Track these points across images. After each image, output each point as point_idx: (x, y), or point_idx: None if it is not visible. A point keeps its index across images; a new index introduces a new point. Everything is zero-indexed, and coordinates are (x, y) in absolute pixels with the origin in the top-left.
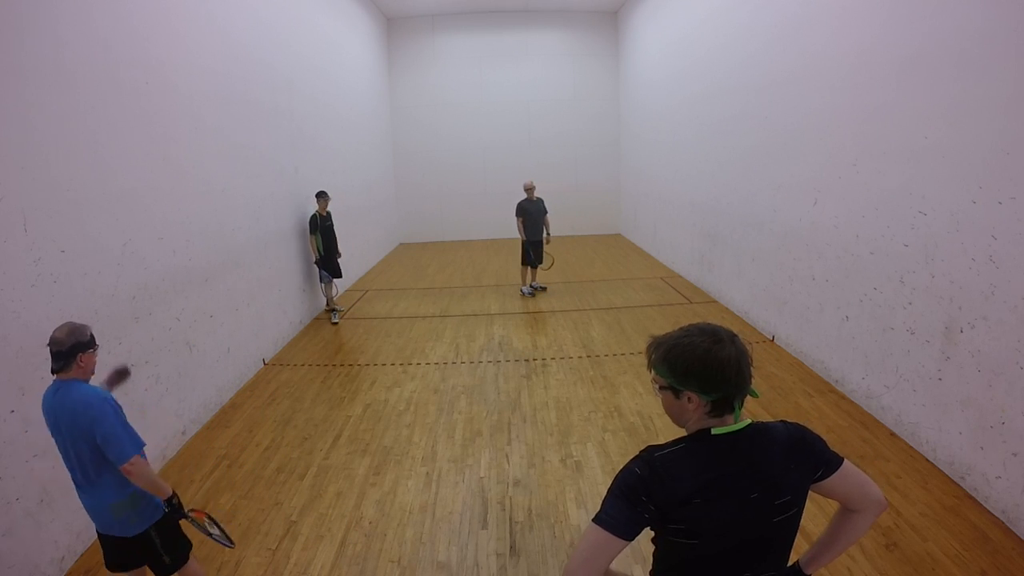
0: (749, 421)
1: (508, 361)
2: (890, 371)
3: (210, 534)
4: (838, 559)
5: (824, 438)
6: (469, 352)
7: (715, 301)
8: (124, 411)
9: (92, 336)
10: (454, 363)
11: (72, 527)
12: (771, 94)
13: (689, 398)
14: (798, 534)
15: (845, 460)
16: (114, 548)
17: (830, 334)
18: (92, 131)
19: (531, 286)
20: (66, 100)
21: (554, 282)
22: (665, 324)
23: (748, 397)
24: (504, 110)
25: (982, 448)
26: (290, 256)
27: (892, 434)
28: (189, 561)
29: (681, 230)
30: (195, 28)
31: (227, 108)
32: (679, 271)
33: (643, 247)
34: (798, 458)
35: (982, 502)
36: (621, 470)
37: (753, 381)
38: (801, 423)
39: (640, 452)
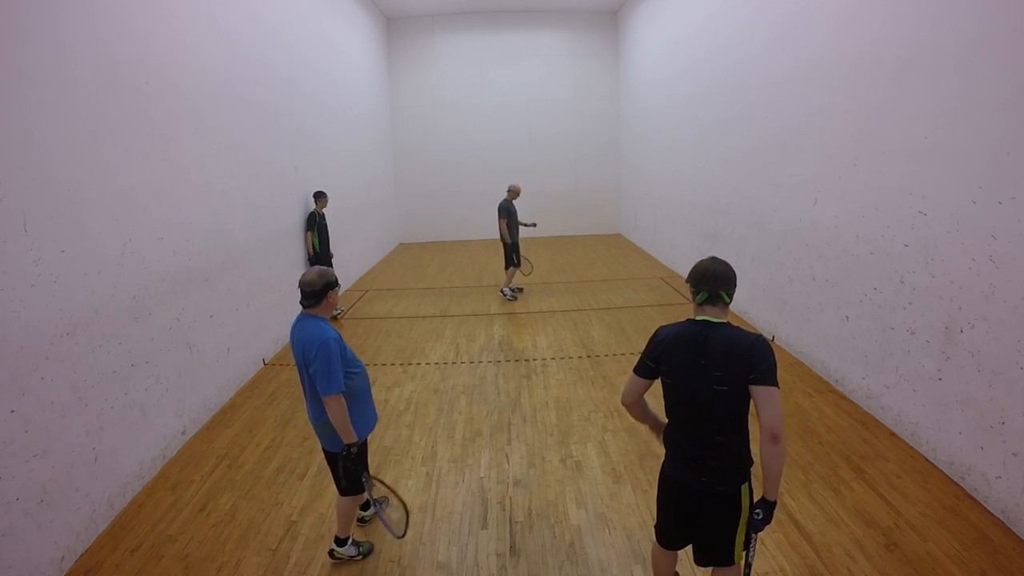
0: (725, 322)
1: (508, 361)
2: (890, 371)
3: (377, 504)
4: (838, 559)
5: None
6: (469, 352)
7: None
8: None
9: (336, 277)
10: (454, 363)
11: (72, 527)
12: (771, 94)
13: (690, 291)
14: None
15: (775, 387)
16: (324, 454)
17: (830, 334)
18: (92, 131)
19: (511, 289)
20: (67, 100)
21: (554, 282)
22: (665, 324)
23: (727, 304)
24: (504, 110)
25: (982, 448)
26: (290, 256)
27: (892, 434)
28: (351, 498)
29: (681, 230)
30: (195, 28)
31: (227, 108)
32: (679, 271)
33: (643, 247)
34: (735, 355)
35: (982, 502)
36: None
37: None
38: (767, 341)
39: None
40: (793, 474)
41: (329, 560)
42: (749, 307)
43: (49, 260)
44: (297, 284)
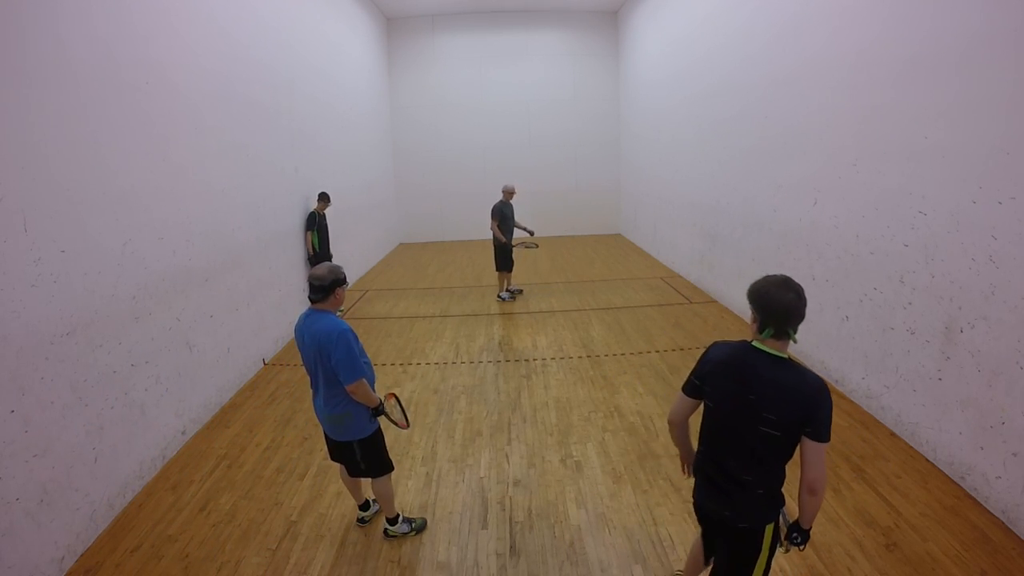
0: (786, 357)
1: (508, 361)
2: (890, 371)
3: (393, 422)
4: (838, 559)
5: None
6: (469, 352)
7: (715, 301)
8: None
9: (345, 275)
10: (454, 363)
11: (72, 527)
12: (771, 94)
13: (752, 313)
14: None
15: (824, 444)
16: (330, 444)
17: (830, 334)
18: (92, 131)
19: (508, 290)
20: (66, 100)
21: (554, 282)
22: (665, 324)
23: (792, 342)
24: (504, 110)
25: (982, 448)
26: (290, 256)
27: (892, 434)
28: (383, 477)
29: (681, 230)
30: (195, 28)
31: (227, 108)
32: (679, 271)
33: (643, 247)
34: (792, 401)
35: (982, 502)
36: None
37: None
38: (828, 391)
39: None
40: (793, 474)
41: (331, 560)
42: (749, 307)
43: (49, 260)
44: (304, 281)
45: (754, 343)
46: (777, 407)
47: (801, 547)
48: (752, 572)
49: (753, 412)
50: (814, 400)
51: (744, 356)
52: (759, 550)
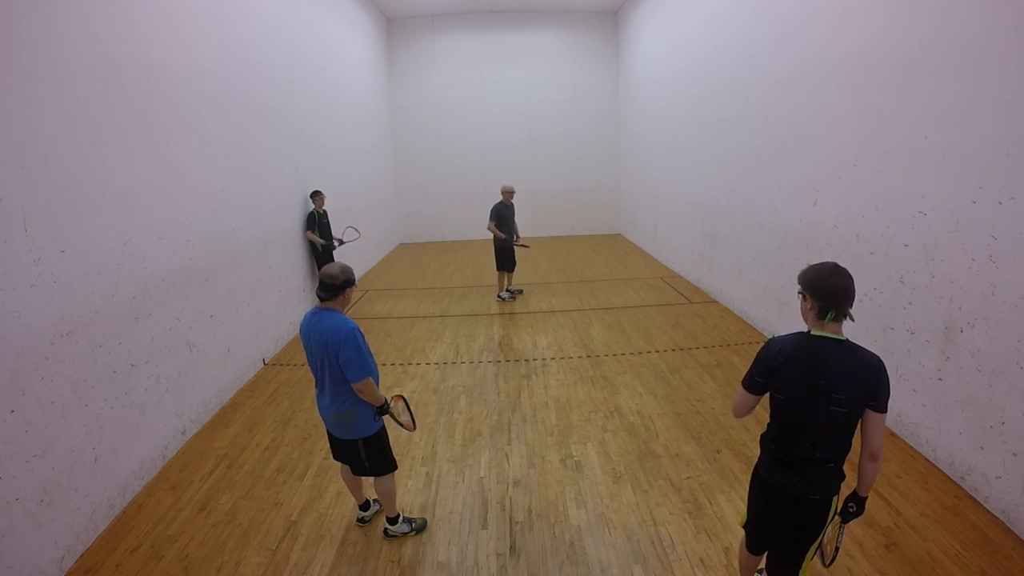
0: (844, 338)
1: (508, 361)
2: (890, 371)
3: (400, 423)
4: (840, 560)
5: None
6: (469, 352)
7: (715, 301)
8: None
9: (355, 276)
10: (454, 363)
11: (72, 527)
12: (771, 94)
13: (804, 297)
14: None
15: (884, 415)
16: (333, 443)
17: None
18: (92, 131)
19: (508, 290)
20: (66, 100)
21: (554, 282)
22: (665, 324)
23: (848, 321)
24: (504, 110)
25: (982, 448)
26: (290, 256)
27: (892, 434)
28: (386, 476)
29: (681, 230)
30: (195, 28)
31: (227, 108)
32: (679, 271)
33: (643, 247)
34: (859, 376)
35: (982, 502)
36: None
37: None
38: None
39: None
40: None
41: (331, 560)
42: (749, 307)
43: (49, 260)
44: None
45: (813, 332)
46: (846, 387)
47: (851, 519)
48: (813, 543)
49: (823, 395)
50: (877, 376)
51: (809, 347)
52: (826, 519)
